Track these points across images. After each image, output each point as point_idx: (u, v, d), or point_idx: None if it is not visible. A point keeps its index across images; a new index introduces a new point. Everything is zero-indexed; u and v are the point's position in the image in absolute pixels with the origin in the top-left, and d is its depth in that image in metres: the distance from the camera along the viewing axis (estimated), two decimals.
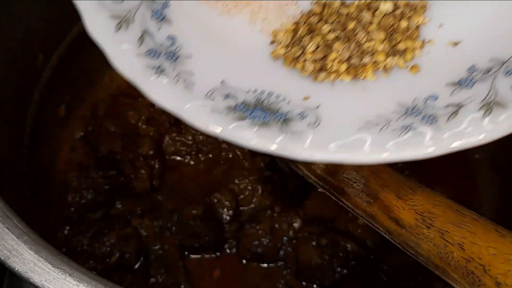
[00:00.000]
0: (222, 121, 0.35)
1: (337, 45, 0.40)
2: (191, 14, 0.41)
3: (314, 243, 0.60)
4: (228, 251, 0.65)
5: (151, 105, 0.70)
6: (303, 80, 0.40)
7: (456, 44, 0.40)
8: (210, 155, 0.70)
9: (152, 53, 0.37)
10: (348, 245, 0.59)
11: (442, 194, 0.38)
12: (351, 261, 0.59)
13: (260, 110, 0.37)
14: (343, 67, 0.40)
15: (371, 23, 0.40)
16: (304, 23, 0.42)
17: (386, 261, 0.60)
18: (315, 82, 0.40)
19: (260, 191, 0.66)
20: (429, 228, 0.35)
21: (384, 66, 0.40)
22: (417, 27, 0.41)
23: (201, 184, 0.69)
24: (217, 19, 0.42)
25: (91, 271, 0.37)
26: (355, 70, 0.40)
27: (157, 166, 0.68)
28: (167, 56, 0.38)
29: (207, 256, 0.65)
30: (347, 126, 0.36)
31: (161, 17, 0.39)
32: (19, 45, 0.57)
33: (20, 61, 0.57)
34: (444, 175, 0.68)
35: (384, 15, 0.40)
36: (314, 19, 0.41)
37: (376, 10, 0.40)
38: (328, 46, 0.40)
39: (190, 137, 0.70)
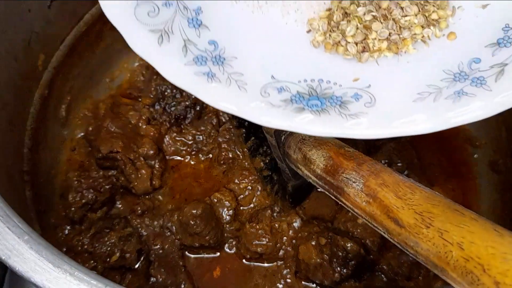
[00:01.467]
0: (283, 114, 0.36)
1: (375, 25, 0.41)
2: (225, 15, 0.42)
3: (313, 242, 0.60)
4: (228, 250, 0.65)
5: (151, 105, 0.70)
6: (348, 63, 0.41)
7: (485, 6, 0.41)
8: (210, 155, 0.70)
9: (199, 60, 0.38)
10: (348, 245, 0.59)
11: (441, 194, 0.38)
12: (350, 260, 0.59)
13: (316, 98, 0.37)
14: (384, 44, 0.41)
15: None
16: (337, 8, 0.43)
17: (385, 261, 0.60)
18: (360, 63, 0.41)
19: (260, 191, 0.66)
20: (428, 227, 0.35)
21: (422, 38, 0.41)
22: None
23: (201, 184, 0.69)
24: (251, 16, 0.43)
25: (91, 270, 0.37)
26: (396, 46, 0.41)
27: (157, 166, 0.68)
28: (213, 60, 0.38)
29: (207, 255, 0.65)
30: (402, 100, 0.37)
31: (197, 24, 0.40)
32: (21, 45, 0.57)
33: (22, 61, 0.58)
34: (443, 175, 0.68)
35: None
36: (346, 3, 0.42)
37: None
38: (367, 27, 0.41)
39: (190, 137, 0.70)
